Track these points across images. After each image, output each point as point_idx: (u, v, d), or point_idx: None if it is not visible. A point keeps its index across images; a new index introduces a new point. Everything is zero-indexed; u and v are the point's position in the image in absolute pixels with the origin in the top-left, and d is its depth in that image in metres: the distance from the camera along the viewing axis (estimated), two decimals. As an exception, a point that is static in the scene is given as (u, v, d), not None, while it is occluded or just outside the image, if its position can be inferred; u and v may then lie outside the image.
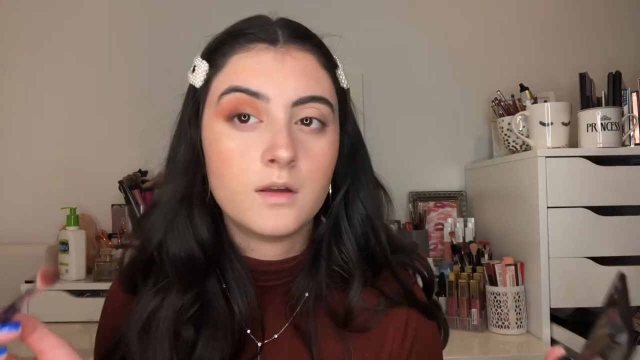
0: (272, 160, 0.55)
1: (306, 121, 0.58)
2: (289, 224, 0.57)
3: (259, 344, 0.63)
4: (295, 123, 0.57)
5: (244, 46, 0.59)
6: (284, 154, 0.54)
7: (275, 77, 0.57)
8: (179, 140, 0.63)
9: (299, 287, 0.63)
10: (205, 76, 0.61)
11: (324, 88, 0.60)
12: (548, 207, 1.36)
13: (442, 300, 1.57)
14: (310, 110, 0.57)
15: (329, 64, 0.62)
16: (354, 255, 0.63)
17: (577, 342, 1.26)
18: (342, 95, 0.64)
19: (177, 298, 0.59)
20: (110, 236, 1.78)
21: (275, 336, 0.63)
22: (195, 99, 0.62)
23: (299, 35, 0.61)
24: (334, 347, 0.61)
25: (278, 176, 0.55)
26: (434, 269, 1.65)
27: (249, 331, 0.62)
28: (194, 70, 0.62)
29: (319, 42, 0.63)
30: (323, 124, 0.59)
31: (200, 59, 0.62)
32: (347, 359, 0.61)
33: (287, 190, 0.56)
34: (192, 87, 0.63)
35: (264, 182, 0.56)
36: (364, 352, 0.62)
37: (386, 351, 0.62)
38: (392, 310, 0.63)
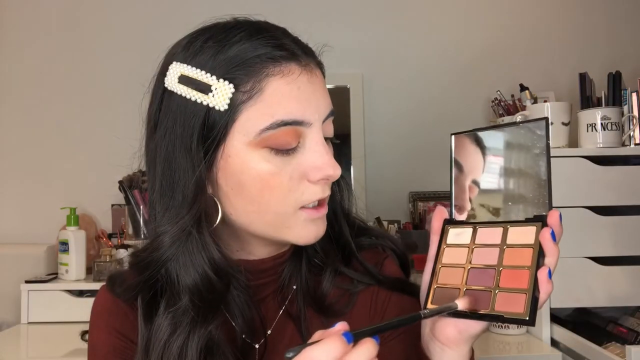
0: (320, 179, 0.58)
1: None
2: (324, 228, 0.62)
3: (257, 346, 0.64)
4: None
5: (275, 69, 0.56)
6: (334, 172, 0.58)
7: (312, 100, 0.58)
8: (176, 166, 0.57)
9: (288, 278, 0.66)
10: (229, 100, 0.55)
11: (330, 98, 0.62)
12: (548, 207, 1.35)
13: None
14: (329, 125, 0.61)
15: (324, 74, 0.63)
16: (325, 245, 0.67)
17: (577, 342, 1.26)
18: None
19: (203, 330, 0.57)
20: (110, 236, 1.78)
21: (269, 332, 0.65)
22: (211, 123, 0.56)
23: (308, 50, 0.61)
24: (320, 328, 0.63)
25: (323, 191, 0.59)
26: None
27: (243, 335, 0.63)
28: (204, 89, 0.55)
29: (315, 54, 0.63)
30: None
31: (216, 78, 0.55)
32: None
33: (322, 200, 0.60)
34: (202, 108, 0.56)
35: (312, 199, 0.59)
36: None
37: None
38: (364, 291, 0.67)
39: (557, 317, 1.43)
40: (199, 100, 0.56)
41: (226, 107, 0.55)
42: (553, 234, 0.53)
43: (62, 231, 1.66)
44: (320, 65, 0.62)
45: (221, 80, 0.55)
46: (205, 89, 0.55)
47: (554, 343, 1.35)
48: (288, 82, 0.56)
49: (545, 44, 1.97)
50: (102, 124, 1.90)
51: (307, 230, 0.60)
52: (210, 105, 0.55)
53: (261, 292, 0.65)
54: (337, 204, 0.68)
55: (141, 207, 1.71)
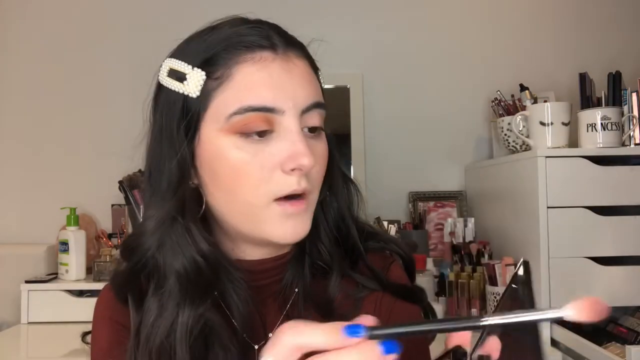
0: (293, 169, 0.56)
1: (312, 130, 0.59)
2: (306, 228, 0.59)
3: (256, 347, 0.63)
4: (302, 129, 0.58)
5: (247, 55, 0.56)
6: (307, 162, 0.55)
7: (286, 88, 0.56)
8: (162, 154, 0.59)
9: (290, 280, 0.65)
10: (201, 87, 0.57)
11: (320, 92, 0.61)
12: (548, 207, 1.35)
13: (442, 300, 1.57)
14: (314, 117, 0.59)
15: (315, 68, 0.63)
16: (331, 249, 0.66)
17: (577, 342, 1.26)
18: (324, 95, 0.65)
19: (191, 312, 0.57)
20: (110, 236, 1.78)
21: (270, 335, 0.64)
22: (187, 111, 0.57)
23: (292, 40, 0.60)
24: None
25: (298, 183, 0.57)
26: (434, 269, 1.65)
27: (244, 335, 0.63)
28: (181, 78, 0.57)
29: (304, 46, 0.63)
30: (320, 128, 0.61)
31: (192, 67, 0.57)
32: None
33: (302, 196, 0.58)
34: (180, 97, 0.58)
35: (285, 190, 0.57)
36: None
37: None
38: (369, 296, 0.66)
39: (557, 317, 1.43)
40: (176, 89, 0.58)
41: (198, 93, 0.57)
42: None
43: (62, 231, 1.66)
44: (307, 58, 0.61)
45: (195, 68, 0.57)
46: (181, 77, 0.57)
47: (554, 343, 1.35)
48: (259, 69, 0.56)
49: (545, 44, 1.97)
50: (102, 124, 1.90)
51: (283, 226, 0.58)
52: (185, 93, 0.57)
53: (262, 293, 0.65)
54: (344, 206, 0.67)
55: (141, 207, 1.71)
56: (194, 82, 0.57)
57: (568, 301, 0.34)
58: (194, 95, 0.57)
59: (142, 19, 1.93)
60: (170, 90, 0.58)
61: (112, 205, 1.82)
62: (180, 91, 0.57)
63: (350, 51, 1.91)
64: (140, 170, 1.78)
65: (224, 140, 0.56)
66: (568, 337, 1.31)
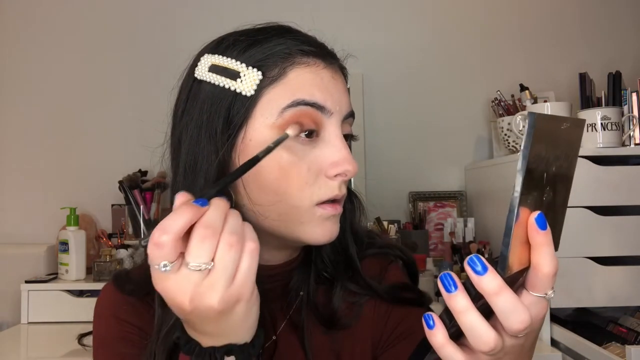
0: (337, 175, 0.58)
1: (345, 138, 0.61)
2: (338, 230, 0.61)
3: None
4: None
5: (301, 59, 0.58)
6: (351, 168, 0.57)
7: (334, 94, 0.59)
8: (200, 152, 0.58)
9: (296, 286, 0.66)
10: (256, 86, 0.56)
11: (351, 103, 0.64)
12: (548, 207, 1.35)
13: (442, 299, 1.57)
14: (348, 125, 0.62)
15: (347, 82, 0.65)
16: (334, 259, 0.67)
17: (577, 342, 1.26)
18: None
19: None
20: (110, 236, 1.78)
21: (274, 337, 0.65)
22: (236, 108, 0.57)
23: (335, 54, 0.64)
24: (323, 340, 0.65)
25: (339, 188, 0.58)
26: (434, 269, 1.65)
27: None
28: (234, 76, 0.57)
29: (341, 61, 0.65)
30: (351, 136, 0.64)
31: (246, 66, 0.57)
32: (336, 354, 0.65)
33: (338, 200, 0.60)
34: (229, 94, 0.57)
35: (327, 195, 0.58)
36: (352, 342, 0.66)
37: (369, 339, 0.67)
38: (367, 303, 0.68)
39: (557, 317, 1.43)
40: (226, 86, 0.57)
41: (253, 92, 0.56)
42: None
43: (62, 231, 1.66)
44: (343, 70, 0.64)
45: (250, 67, 0.57)
46: (234, 75, 0.57)
47: (554, 343, 1.35)
48: (312, 71, 0.58)
49: (545, 44, 1.97)
50: (101, 124, 1.90)
51: (323, 227, 0.59)
52: (238, 90, 0.57)
53: (266, 296, 0.65)
54: (347, 221, 0.68)
55: (141, 207, 1.71)
56: (249, 81, 0.56)
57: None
58: (248, 94, 0.56)
59: (140, 20, 1.93)
60: (215, 85, 0.58)
61: (112, 205, 1.82)
62: (232, 88, 0.57)
63: (351, 51, 1.91)
64: (140, 170, 1.78)
65: (273, 136, 0.56)
66: (568, 337, 1.31)
